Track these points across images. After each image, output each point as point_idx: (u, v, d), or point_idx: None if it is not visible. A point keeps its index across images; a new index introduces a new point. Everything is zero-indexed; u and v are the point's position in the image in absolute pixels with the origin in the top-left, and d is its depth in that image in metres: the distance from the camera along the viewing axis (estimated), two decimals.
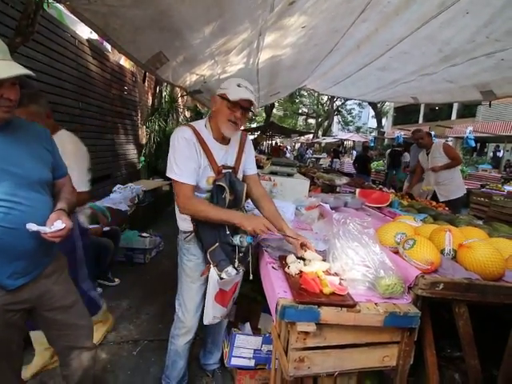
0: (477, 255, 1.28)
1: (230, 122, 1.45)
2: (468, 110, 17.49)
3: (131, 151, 5.82)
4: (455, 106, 17.84)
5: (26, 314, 1.21)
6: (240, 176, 1.63)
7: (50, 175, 1.22)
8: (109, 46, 4.75)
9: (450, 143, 4.54)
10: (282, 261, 1.43)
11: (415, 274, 1.22)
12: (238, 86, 1.42)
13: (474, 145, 11.08)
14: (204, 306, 1.63)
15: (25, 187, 1.09)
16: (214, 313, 1.54)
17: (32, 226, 1.04)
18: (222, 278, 1.44)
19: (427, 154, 4.08)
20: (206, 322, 1.55)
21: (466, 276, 1.23)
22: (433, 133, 10.98)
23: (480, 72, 2.81)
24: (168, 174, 1.45)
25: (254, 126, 18.77)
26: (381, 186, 4.17)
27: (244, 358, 1.70)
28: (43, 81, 3.13)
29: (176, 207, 1.57)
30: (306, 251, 1.43)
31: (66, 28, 3.61)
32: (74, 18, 2.03)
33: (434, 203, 3.09)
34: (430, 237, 1.48)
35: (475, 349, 1.26)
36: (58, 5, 3.28)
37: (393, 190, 3.66)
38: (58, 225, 1.07)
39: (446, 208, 2.98)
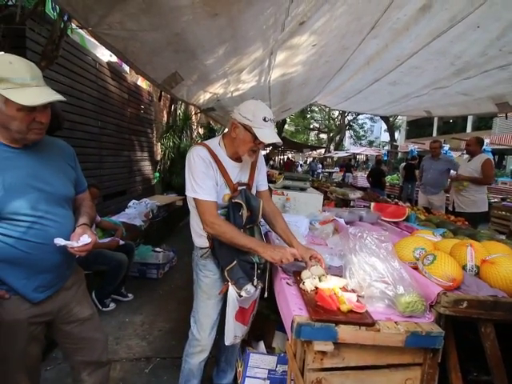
0: (502, 271, 1.22)
1: (252, 152, 1.47)
2: (484, 123, 17.18)
3: (146, 167, 5.96)
4: (470, 119, 17.57)
5: (45, 327, 1.23)
6: (253, 192, 1.64)
7: (73, 191, 1.27)
8: (127, 68, 4.98)
9: (465, 156, 4.50)
10: (297, 276, 1.41)
11: (436, 291, 1.17)
12: (264, 120, 1.39)
13: (491, 157, 10.80)
14: (218, 324, 1.61)
15: (52, 203, 1.14)
16: (235, 332, 1.51)
17: (60, 241, 1.08)
18: (241, 296, 1.43)
19: (468, 161, 4.05)
20: (227, 343, 1.52)
21: (491, 293, 1.17)
22: (447, 146, 10.83)
23: (494, 84, 2.78)
24: (189, 194, 1.46)
25: None
26: (396, 200, 4.09)
27: (258, 378, 1.65)
28: (65, 102, 3.29)
29: (193, 223, 1.58)
30: (313, 266, 1.41)
31: (88, 52, 3.82)
32: (95, 42, 2.13)
33: (453, 217, 3.00)
34: (450, 252, 1.43)
35: (504, 372, 1.18)
36: (80, 30, 3.50)
37: (409, 204, 3.58)
38: (84, 239, 1.12)
39: (466, 222, 2.88)
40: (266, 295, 1.54)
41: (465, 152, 4.38)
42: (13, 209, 1.06)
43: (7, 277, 1.08)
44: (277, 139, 1.42)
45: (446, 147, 10.51)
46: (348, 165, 16.83)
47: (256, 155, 1.55)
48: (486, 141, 10.74)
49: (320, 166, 20.83)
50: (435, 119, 19.43)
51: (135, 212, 4.26)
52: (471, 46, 2.17)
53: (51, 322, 1.24)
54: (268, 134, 1.40)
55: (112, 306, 2.88)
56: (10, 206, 1.05)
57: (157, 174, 6.75)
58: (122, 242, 2.97)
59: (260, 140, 1.39)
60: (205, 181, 1.43)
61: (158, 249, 3.79)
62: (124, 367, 2.13)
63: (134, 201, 4.62)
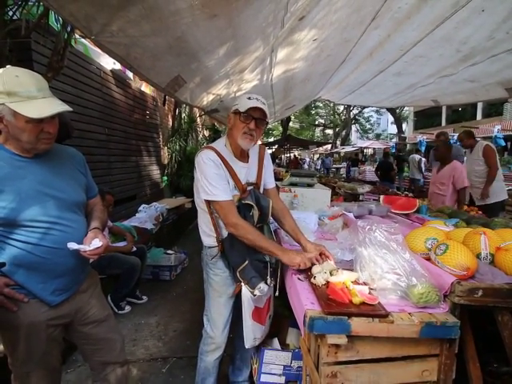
0: None
1: (246, 134, 1.47)
2: (494, 109, 16.78)
3: (154, 171, 6.03)
4: (480, 106, 17.17)
5: (63, 329, 1.27)
6: (261, 190, 1.65)
7: (85, 196, 1.31)
8: (130, 74, 5.05)
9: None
10: (308, 272, 1.41)
11: (450, 280, 1.15)
12: (248, 98, 1.46)
13: (503, 144, 10.55)
14: (232, 323, 1.63)
15: (65, 209, 1.18)
16: (254, 334, 1.52)
17: (73, 245, 1.12)
18: (254, 295, 1.44)
19: (470, 153, 4.00)
20: (248, 346, 1.54)
21: (506, 281, 1.14)
22: (457, 134, 10.59)
23: (503, 69, 2.71)
24: (205, 198, 1.46)
25: (271, 140, 18.91)
26: (406, 193, 4.04)
27: (274, 374, 1.65)
28: (72, 111, 3.35)
29: (201, 223, 1.60)
30: (323, 261, 1.41)
31: (92, 61, 3.89)
32: (99, 51, 2.16)
33: (466, 207, 2.94)
34: (463, 241, 1.40)
35: None
36: (83, 40, 3.56)
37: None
38: (95, 243, 1.15)
39: (480, 212, 2.82)
40: (277, 293, 1.55)
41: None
42: (29, 216, 1.09)
43: (26, 281, 1.12)
44: (256, 104, 1.43)
45: (456, 136, 10.29)
46: (353, 159, 16.57)
47: (254, 141, 1.53)
48: (498, 127, 10.49)
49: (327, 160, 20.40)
50: (443, 108, 19.07)
51: (146, 216, 4.32)
52: (477, 31, 2.12)
53: (69, 324, 1.27)
54: (248, 103, 1.44)
55: (127, 308, 2.93)
56: (26, 213, 1.09)
57: (165, 178, 6.82)
58: (134, 249, 3.02)
59: (241, 110, 1.43)
60: (219, 182, 1.44)
61: (169, 251, 3.84)
62: (142, 368, 2.17)
63: (143, 205, 4.67)
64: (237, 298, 1.53)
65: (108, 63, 4.32)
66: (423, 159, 8.86)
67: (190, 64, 2.17)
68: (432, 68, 2.85)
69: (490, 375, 1.38)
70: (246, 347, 1.54)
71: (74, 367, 2.13)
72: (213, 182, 1.43)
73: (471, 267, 1.19)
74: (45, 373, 1.22)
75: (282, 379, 1.65)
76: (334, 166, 20.10)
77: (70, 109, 1.11)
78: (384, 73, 3.08)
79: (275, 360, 1.65)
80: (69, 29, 2.51)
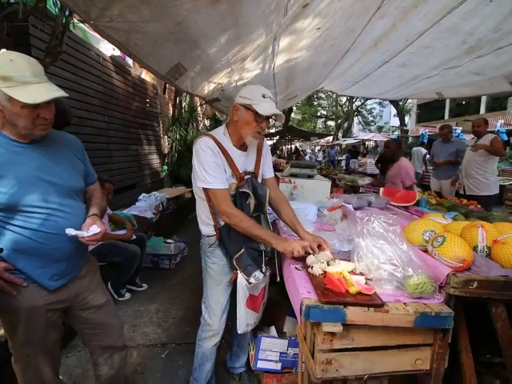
0: None
1: (258, 134, 1.47)
2: (498, 103, 16.59)
3: (154, 161, 6.01)
4: (483, 99, 16.98)
5: (62, 313, 1.29)
6: (259, 180, 1.65)
7: (83, 183, 1.31)
8: (130, 61, 4.98)
9: (470, 137, 4.51)
10: (305, 261, 1.42)
11: (446, 272, 1.16)
12: (263, 96, 1.42)
13: (506, 138, 10.45)
14: (229, 310, 1.65)
15: (63, 195, 1.18)
16: (247, 320, 1.55)
17: (71, 231, 1.13)
18: (250, 283, 1.45)
19: (475, 143, 4.00)
20: (240, 331, 1.56)
21: (502, 273, 1.16)
22: (460, 128, 10.52)
23: (509, 62, 2.67)
24: (201, 185, 1.46)
25: (272, 131, 18.80)
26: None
27: (270, 361, 1.69)
28: (71, 97, 3.32)
29: (199, 212, 1.60)
30: (320, 251, 1.42)
31: (91, 46, 3.82)
32: (98, 36, 2.12)
33: (465, 201, 2.94)
34: (461, 234, 1.41)
35: None
36: (82, 25, 3.50)
37: (420, 189, 3.54)
38: (94, 229, 1.15)
39: (479, 206, 2.83)
40: (277, 279, 1.56)
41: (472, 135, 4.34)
42: (27, 201, 1.10)
43: (25, 266, 1.13)
44: (276, 111, 1.43)
45: (459, 130, 10.21)
46: (352, 151, 16.45)
47: (261, 138, 1.54)
48: (501, 121, 10.41)
49: (335, 152, 20.03)
50: (447, 101, 18.88)
51: (146, 205, 4.33)
52: (484, 22, 2.08)
53: (68, 308, 1.29)
54: (267, 107, 1.42)
55: (127, 295, 2.97)
56: (24, 199, 1.09)
57: (165, 167, 6.80)
58: (134, 237, 3.04)
59: (260, 113, 1.40)
60: (216, 170, 1.44)
61: (169, 240, 3.86)
62: (141, 353, 2.21)
63: (143, 194, 4.68)
64: (235, 286, 1.54)
65: (107, 49, 4.26)
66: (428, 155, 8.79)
67: (190, 51, 2.14)
68: (437, 59, 2.81)
69: (483, 366, 1.40)
70: (239, 332, 1.57)
71: (74, 351, 2.18)
72: (209, 169, 1.42)
73: (467, 259, 1.20)
74: (44, 356, 1.25)
75: (279, 365, 1.69)
76: (337, 158, 19.99)
77: (66, 94, 1.09)
78: (388, 63, 3.03)
79: (272, 347, 1.69)
80: (67, 13, 2.46)
